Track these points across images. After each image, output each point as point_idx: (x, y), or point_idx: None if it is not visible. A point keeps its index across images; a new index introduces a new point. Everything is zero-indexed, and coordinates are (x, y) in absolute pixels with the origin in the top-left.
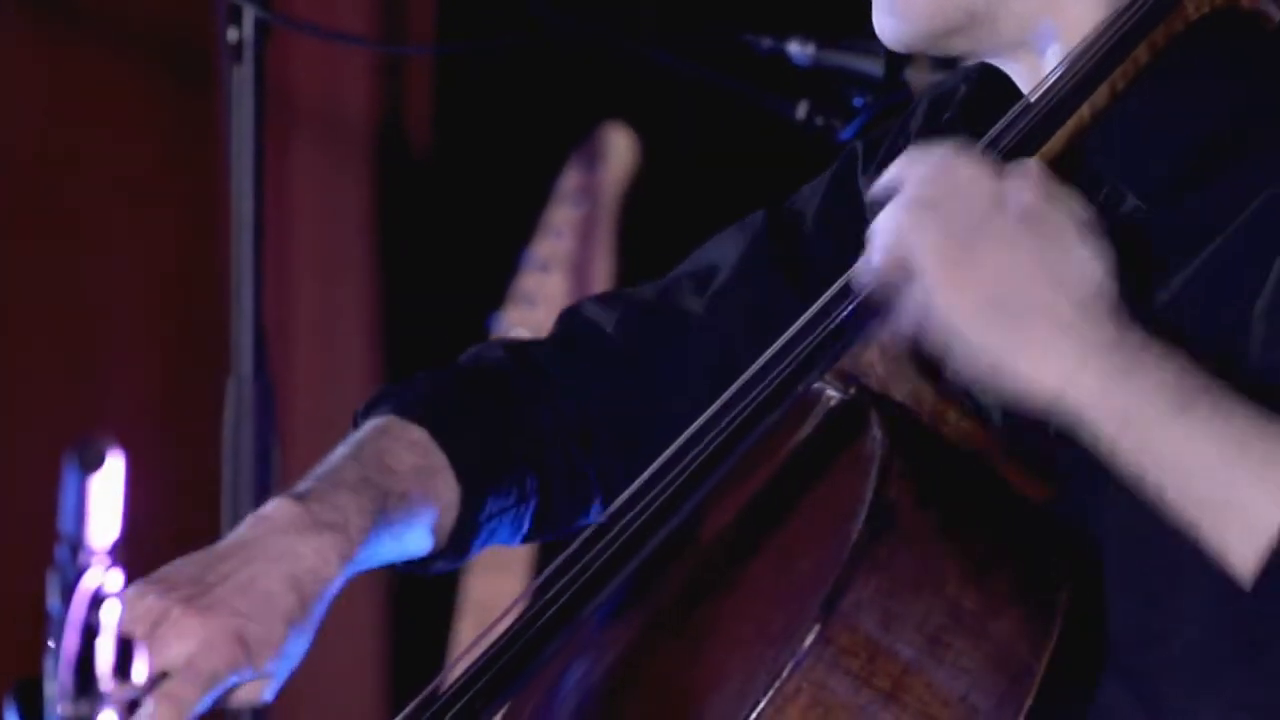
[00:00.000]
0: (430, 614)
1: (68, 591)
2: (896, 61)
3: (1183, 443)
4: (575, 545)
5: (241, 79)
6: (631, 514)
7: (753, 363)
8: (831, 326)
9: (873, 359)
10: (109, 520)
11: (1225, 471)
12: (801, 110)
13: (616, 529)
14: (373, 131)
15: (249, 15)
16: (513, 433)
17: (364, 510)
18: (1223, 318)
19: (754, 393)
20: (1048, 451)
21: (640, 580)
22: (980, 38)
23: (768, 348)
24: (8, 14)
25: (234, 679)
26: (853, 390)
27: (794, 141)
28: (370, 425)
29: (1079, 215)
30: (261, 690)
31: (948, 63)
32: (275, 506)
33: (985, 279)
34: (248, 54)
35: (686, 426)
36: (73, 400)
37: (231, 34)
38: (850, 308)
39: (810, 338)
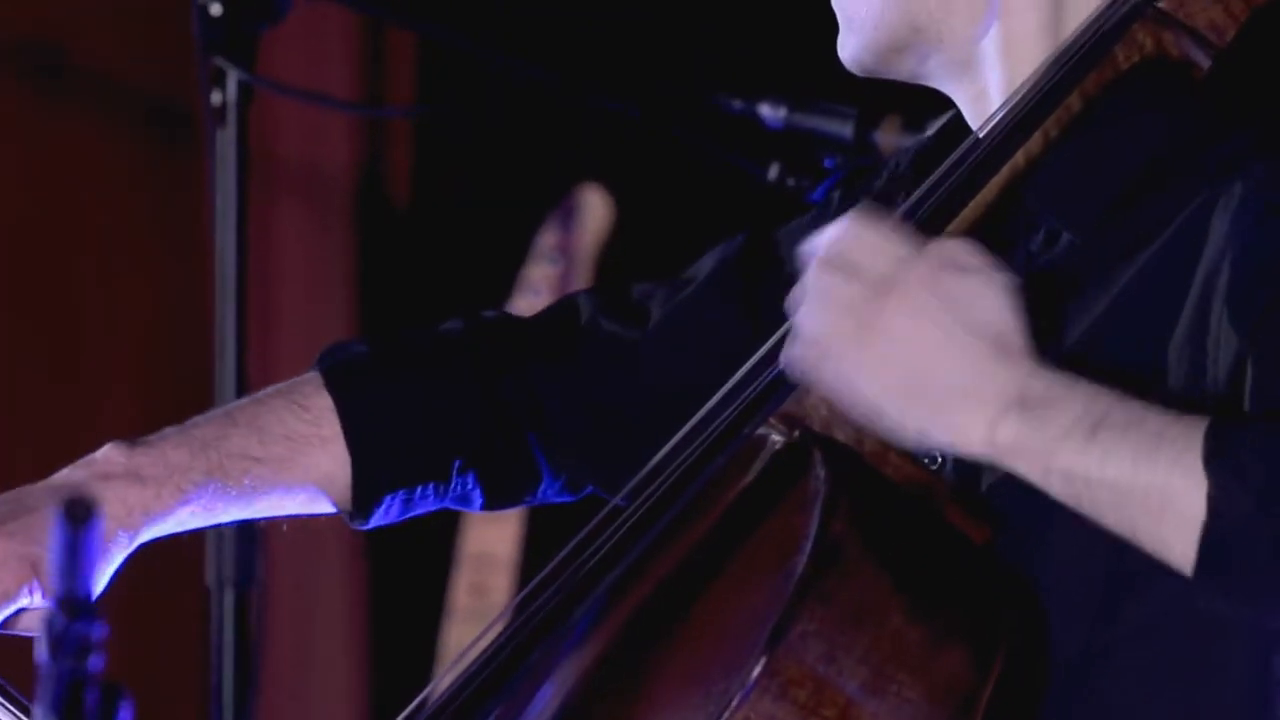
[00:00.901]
0: (410, 661)
1: (56, 643)
2: (866, 124)
3: (1102, 462)
4: (542, 576)
5: (225, 140)
6: (587, 553)
7: (695, 379)
8: (773, 375)
9: (817, 401)
10: (95, 574)
11: (1146, 476)
12: (773, 172)
13: (574, 566)
14: (354, 191)
15: (232, 79)
16: (440, 409)
17: (191, 470)
18: (1143, 334)
19: (700, 437)
20: (987, 492)
21: (596, 614)
22: (926, 55)
23: (710, 367)
24: None
25: (24, 600)
26: (797, 433)
27: (766, 202)
28: (290, 381)
29: (978, 266)
30: None
31: (917, 125)
32: (104, 451)
33: (891, 358)
34: (231, 116)
35: (631, 425)
36: (59, 454)
37: (215, 97)
38: (778, 372)
39: (754, 384)
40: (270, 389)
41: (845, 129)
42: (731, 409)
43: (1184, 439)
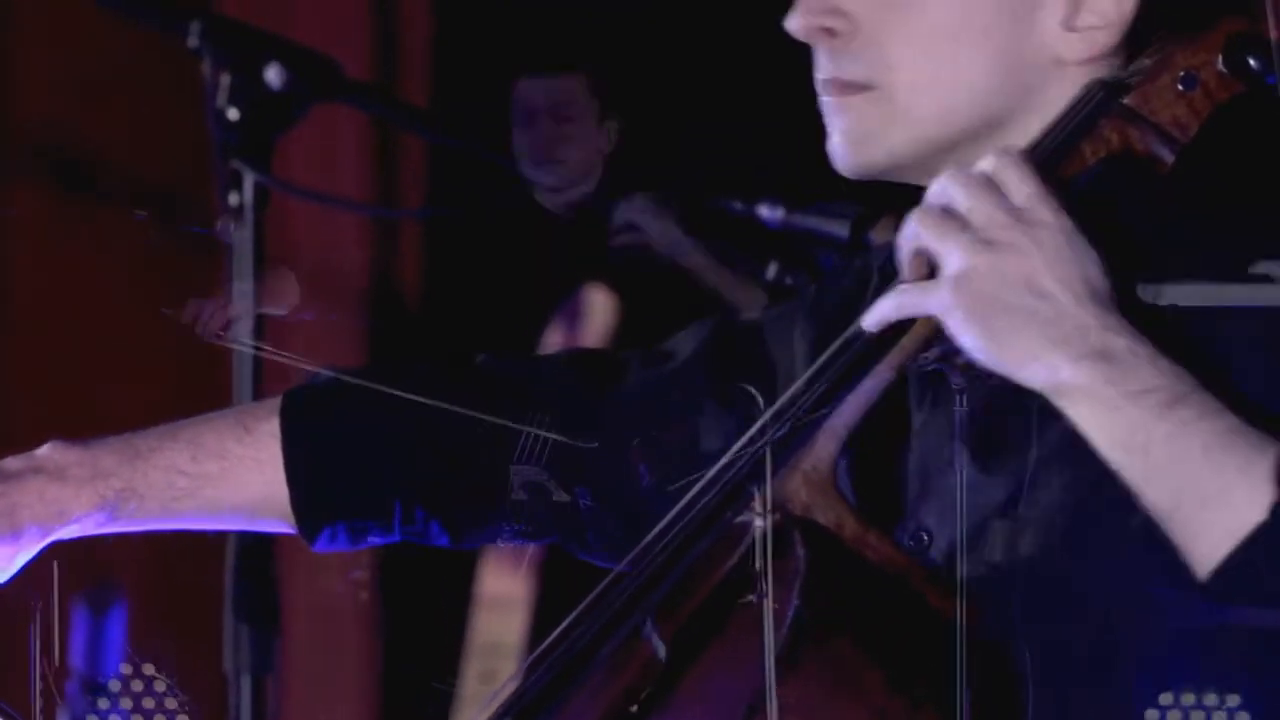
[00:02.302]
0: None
1: None
2: (862, 224)
3: (1171, 436)
4: (531, 659)
5: (242, 239)
6: (577, 633)
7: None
8: (753, 460)
9: (797, 486)
10: (114, 656)
11: (1210, 467)
12: (772, 270)
13: (564, 646)
14: (366, 289)
15: (249, 180)
16: (383, 448)
17: (113, 476)
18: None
19: (684, 520)
20: (966, 574)
21: (584, 689)
22: (968, 153)
23: (685, 445)
24: (26, 182)
25: None
26: (778, 516)
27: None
28: (254, 402)
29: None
30: None
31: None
32: (45, 447)
33: (995, 280)
34: (248, 216)
35: (593, 481)
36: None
37: (233, 197)
38: (759, 457)
39: (734, 469)
40: (231, 409)
41: (842, 228)
42: (713, 492)
43: (1260, 446)
